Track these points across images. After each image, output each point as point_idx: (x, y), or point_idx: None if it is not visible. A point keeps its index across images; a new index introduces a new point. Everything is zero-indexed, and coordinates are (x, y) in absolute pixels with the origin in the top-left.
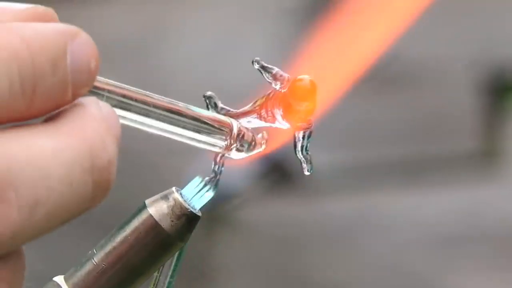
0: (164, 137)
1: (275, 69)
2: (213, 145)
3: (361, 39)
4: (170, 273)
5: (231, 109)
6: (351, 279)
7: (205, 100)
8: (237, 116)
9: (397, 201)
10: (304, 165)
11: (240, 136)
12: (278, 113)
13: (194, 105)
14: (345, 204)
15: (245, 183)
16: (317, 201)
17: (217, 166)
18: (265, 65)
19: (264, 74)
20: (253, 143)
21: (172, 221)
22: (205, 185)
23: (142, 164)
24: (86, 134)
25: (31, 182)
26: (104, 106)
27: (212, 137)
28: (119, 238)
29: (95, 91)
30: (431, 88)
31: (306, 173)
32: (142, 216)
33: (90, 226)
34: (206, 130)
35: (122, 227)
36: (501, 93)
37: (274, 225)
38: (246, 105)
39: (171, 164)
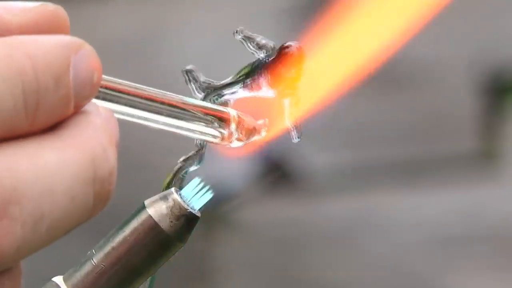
0: (163, 137)
1: (259, 37)
2: (213, 136)
3: (361, 40)
4: None
5: (214, 81)
6: (350, 279)
7: (185, 75)
8: (222, 87)
9: (397, 201)
10: (294, 133)
11: (241, 125)
12: (264, 81)
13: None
14: (345, 204)
15: (244, 184)
16: (316, 201)
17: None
18: (249, 34)
19: (247, 44)
20: (253, 130)
21: (171, 221)
22: (204, 185)
23: (141, 164)
24: (89, 145)
25: (36, 197)
26: (103, 111)
27: (211, 128)
28: (118, 238)
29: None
30: (431, 89)
31: (295, 140)
32: (141, 217)
33: (89, 226)
34: (204, 121)
35: (121, 227)
36: (501, 94)
37: (273, 225)
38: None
39: (171, 164)
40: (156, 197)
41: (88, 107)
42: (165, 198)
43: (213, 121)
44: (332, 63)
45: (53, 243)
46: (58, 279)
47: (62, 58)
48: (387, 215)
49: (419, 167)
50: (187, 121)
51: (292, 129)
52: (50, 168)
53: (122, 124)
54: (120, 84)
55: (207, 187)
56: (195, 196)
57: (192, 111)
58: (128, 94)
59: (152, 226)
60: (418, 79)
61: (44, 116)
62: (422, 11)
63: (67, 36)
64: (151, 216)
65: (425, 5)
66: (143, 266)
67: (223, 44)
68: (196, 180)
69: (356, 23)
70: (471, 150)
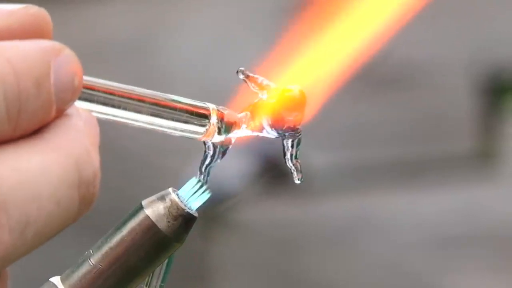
0: (163, 137)
1: (260, 78)
2: (196, 133)
3: (354, 38)
4: (161, 277)
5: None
6: (350, 279)
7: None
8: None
9: (395, 202)
10: (295, 174)
11: (220, 119)
12: (266, 122)
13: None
14: (343, 205)
15: (241, 184)
16: (315, 201)
17: (211, 151)
18: (250, 74)
19: (249, 84)
20: (234, 124)
21: (169, 221)
22: (201, 185)
23: (138, 165)
24: (72, 148)
25: (22, 203)
26: (83, 113)
27: (192, 124)
28: (115, 238)
29: None
30: (429, 89)
31: (297, 181)
32: (139, 217)
33: (86, 226)
34: (184, 119)
35: (118, 227)
36: (499, 94)
37: (271, 225)
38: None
39: (168, 165)
40: (154, 197)
41: (69, 109)
42: (162, 198)
43: (193, 117)
44: (324, 62)
45: (39, 247)
46: (56, 280)
47: (43, 63)
48: (386, 215)
49: (418, 167)
50: (167, 119)
51: (293, 170)
52: (35, 173)
53: (122, 124)
54: (96, 83)
55: (204, 187)
56: (192, 196)
57: (172, 107)
58: (105, 92)
59: (150, 227)
60: (416, 80)
61: (27, 121)
62: (408, 7)
63: (47, 41)
64: (148, 216)
65: (418, 5)
66: (140, 266)
67: (222, 44)
68: (194, 180)
69: (350, 22)
70: (470, 150)
